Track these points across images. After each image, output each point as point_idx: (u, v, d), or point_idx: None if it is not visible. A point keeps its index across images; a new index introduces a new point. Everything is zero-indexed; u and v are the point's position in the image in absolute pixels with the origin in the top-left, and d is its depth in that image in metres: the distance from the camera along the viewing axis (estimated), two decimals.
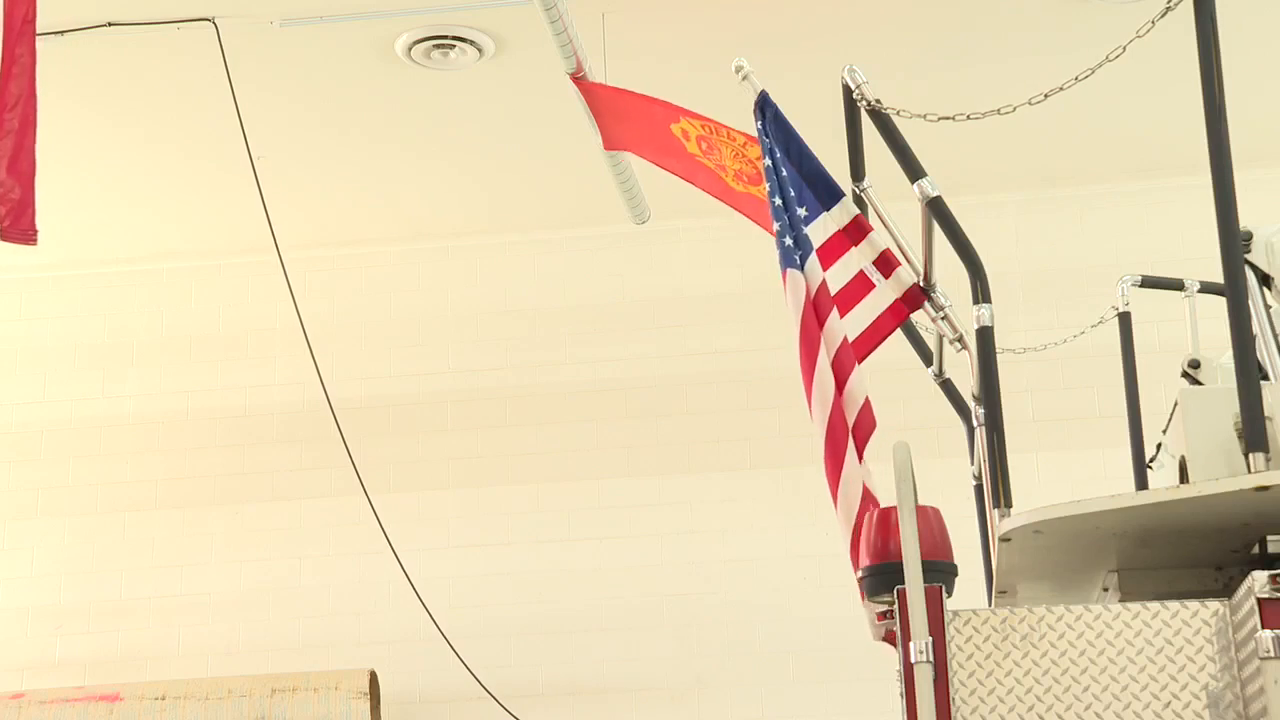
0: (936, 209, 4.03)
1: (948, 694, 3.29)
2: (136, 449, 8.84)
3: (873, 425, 4.25)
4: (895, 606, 3.35)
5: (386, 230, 8.83)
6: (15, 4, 4.36)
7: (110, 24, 6.70)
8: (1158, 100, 7.61)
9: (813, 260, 4.27)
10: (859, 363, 4.30)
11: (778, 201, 4.34)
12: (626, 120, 6.19)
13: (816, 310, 4.21)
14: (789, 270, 4.26)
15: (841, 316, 4.29)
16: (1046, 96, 4.16)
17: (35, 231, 4.34)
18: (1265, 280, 4.80)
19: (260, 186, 7.22)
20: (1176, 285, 6.00)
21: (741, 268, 8.62)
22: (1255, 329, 4.55)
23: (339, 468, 7.98)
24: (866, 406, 4.22)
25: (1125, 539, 3.59)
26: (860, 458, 4.14)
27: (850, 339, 4.28)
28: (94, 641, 8.58)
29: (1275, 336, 4.70)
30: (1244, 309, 3.38)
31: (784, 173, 4.36)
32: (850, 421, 4.16)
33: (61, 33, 6.60)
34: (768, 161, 4.39)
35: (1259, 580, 3.20)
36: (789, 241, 4.28)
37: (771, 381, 8.42)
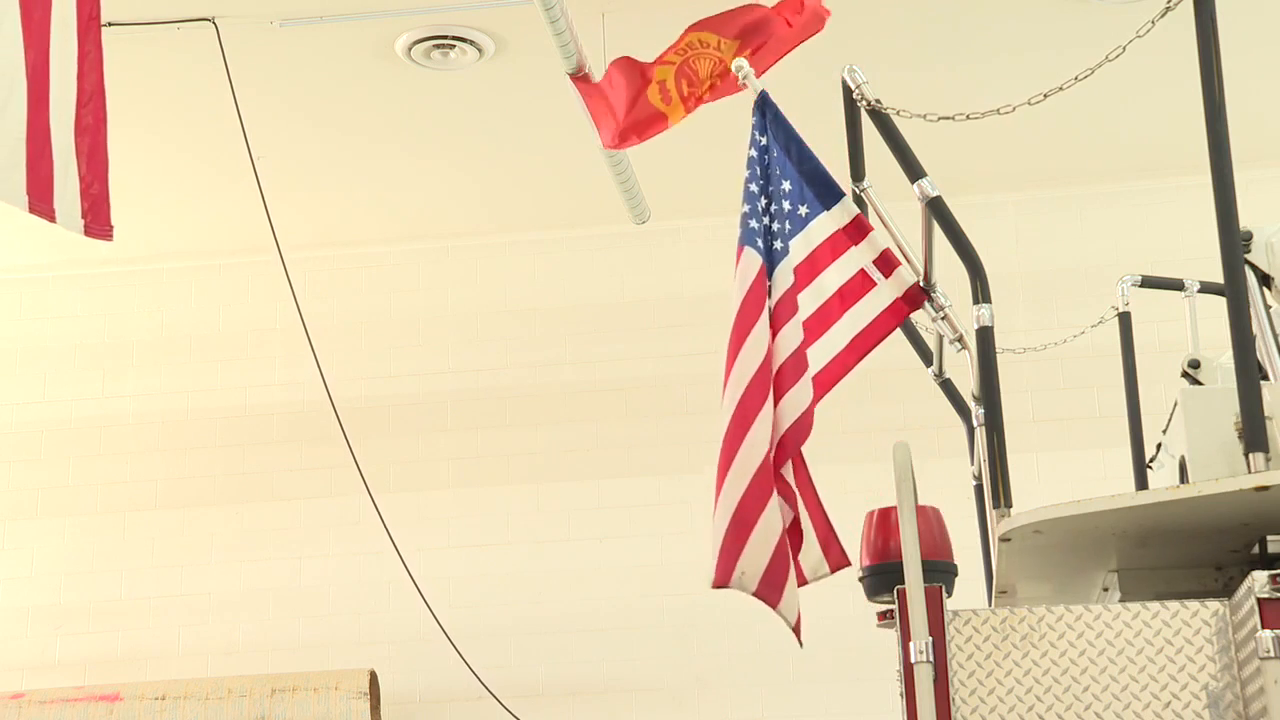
0: (936, 209, 4.03)
1: (948, 694, 3.29)
2: (136, 449, 8.84)
3: (806, 433, 4.19)
4: (895, 606, 3.35)
5: (386, 230, 8.83)
6: (83, 1, 4.38)
7: (110, 24, 6.66)
8: (1158, 100, 7.62)
9: (785, 267, 4.27)
10: (858, 361, 4.29)
11: (752, 188, 4.35)
12: (620, 110, 6.22)
13: (774, 318, 4.21)
14: (745, 248, 4.27)
15: (841, 314, 4.28)
16: (1046, 96, 4.16)
17: (112, 228, 4.36)
18: (1265, 280, 4.80)
19: (260, 186, 7.22)
20: (1176, 285, 6.00)
21: None
22: (1255, 329, 4.55)
23: (339, 468, 7.98)
24: (807, 415, 4.17)
25: (1125, 539, 3.59)
26: (778, 467, 4.11)
27: (849, 337, 4.28)
28: (94, 641, 8.58)
29: (1275, 336, 4.70)
30: (1244, 309, 3.38)
31: (767, 161, 4.37)
32: (781, 430, 4.12)
33: None
34: (752, 152, 4.40)
35: (1259, 580, 3.20)
36: (753, 224, 4.30)
37: None
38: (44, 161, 4.12)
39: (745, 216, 4.33)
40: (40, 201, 4.12)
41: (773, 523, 3.92)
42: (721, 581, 3.92)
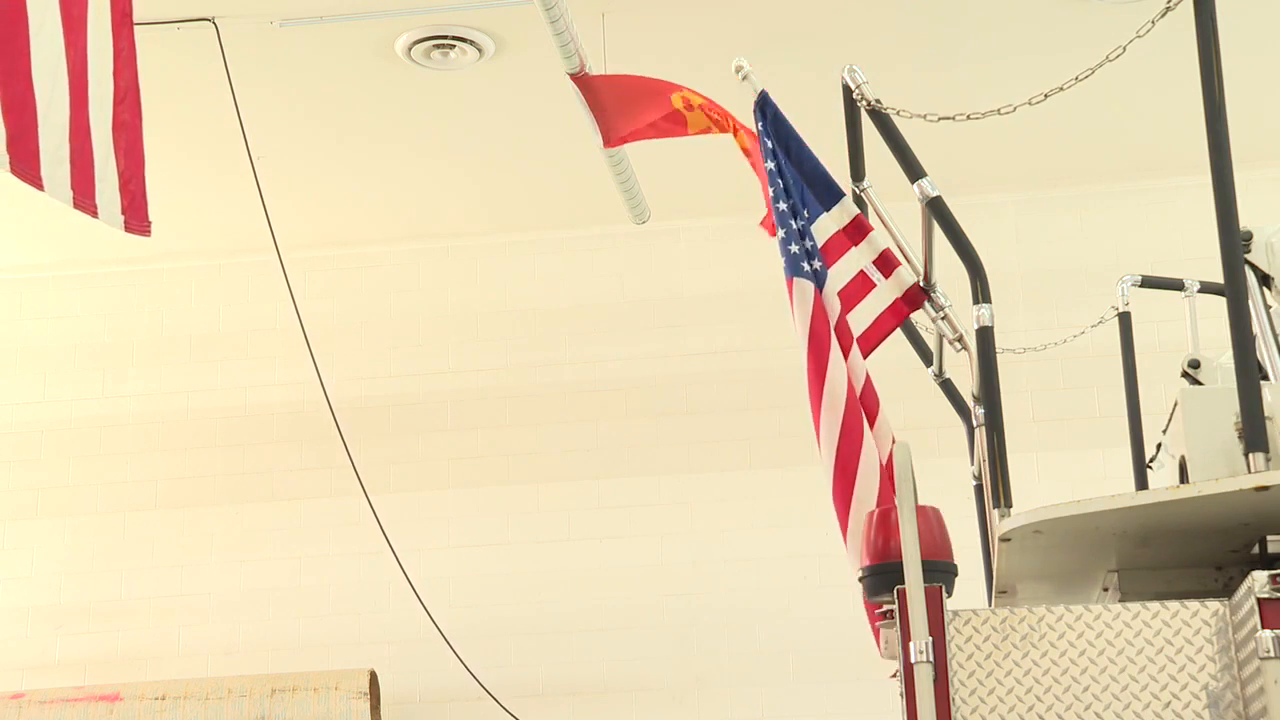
0: (936, 209, 4.04)
1: (948, 694, 3.29)
2: (136, 449, 8.83)
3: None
4: (895, 606, 3.35)
5: (386, 230, 8.83)
6: None
7: None
8: (1158, 100, 7.62)
9: (830, 281, 4.24)
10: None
11: (782, 207, 4.32)
12: (625, 103, 6.18)
13: (839, 335, 4.16)
14: (795, 279, 4.22)
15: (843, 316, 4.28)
16: (1046, 96, 4.16)
17: (150, 223, 4.38)
18: (1265, 280, 4.80)
19: (260, 186, 7.22)
20: (1176, 285, 6.01)
21: (741, 268, 8.62)
22: (1255, 329, 4.55)
23: (339, 468, 7.98)
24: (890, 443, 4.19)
25: (1125, 539, 3.59)
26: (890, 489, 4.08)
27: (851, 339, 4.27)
28: (94, 641, 8.58)
29: (1275, 336, 4.70)
30: (1244, 309, 3.38)
31: (787, 178, 4.35)
32: (882, 456, 4.13)
33: None
34: (770, 165, 4.38)
35: (1259, 580, 3.20)
36: (794, 249, 4.26)
37: (771, 381, 8.42)
38: (85, 157, 4.13)
39: (783, 243, 4.27)
40: (84, 197, 4.14)
41: None
42: None
